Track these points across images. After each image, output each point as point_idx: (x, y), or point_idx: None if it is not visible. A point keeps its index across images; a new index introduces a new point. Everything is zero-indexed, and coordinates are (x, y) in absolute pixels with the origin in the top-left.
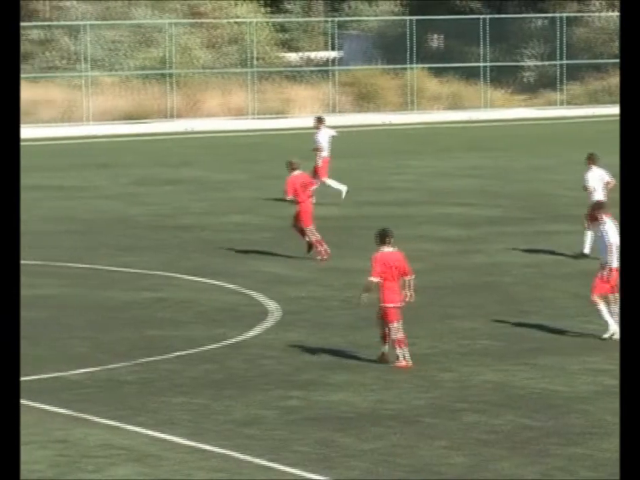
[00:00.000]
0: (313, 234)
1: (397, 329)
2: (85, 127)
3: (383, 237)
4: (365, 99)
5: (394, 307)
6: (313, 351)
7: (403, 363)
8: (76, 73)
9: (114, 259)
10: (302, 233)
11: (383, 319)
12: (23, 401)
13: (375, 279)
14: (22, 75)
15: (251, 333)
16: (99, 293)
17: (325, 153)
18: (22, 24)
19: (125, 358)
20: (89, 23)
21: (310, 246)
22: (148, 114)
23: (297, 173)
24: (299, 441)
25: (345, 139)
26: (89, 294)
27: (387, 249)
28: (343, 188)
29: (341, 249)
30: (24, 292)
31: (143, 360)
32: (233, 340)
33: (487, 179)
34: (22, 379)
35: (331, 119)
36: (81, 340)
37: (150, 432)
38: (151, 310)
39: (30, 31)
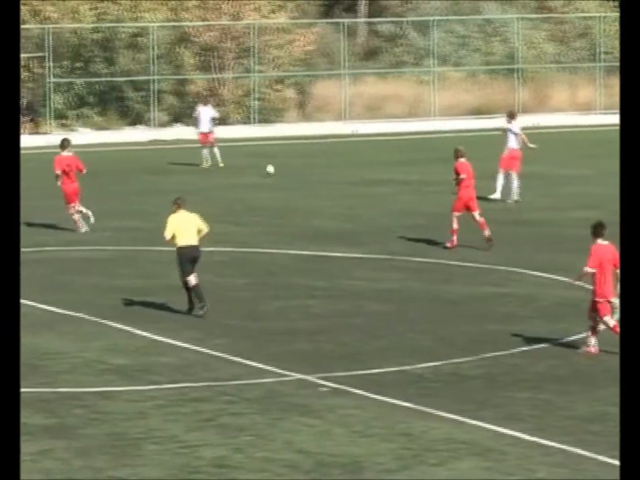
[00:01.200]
0: (454, 221)
1: (606, 323)
2: (432, 122)
3: (598, 230)
4: None
5: (605, 301)
6: None
7: (593, 350)
8: (424, 69)
9: (458, 253)
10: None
11: (594, 312)
12: (367, 394)
13: (589, 269)
14: (370, 71)
15: None
16: (441, 287)
17: (509, 145)
18: (372, 20)
19: (468, 352)
20: (436, 18)
21: (488, 239)
22: (494, 109)
23: (462, 160)
24: None
25: None
26: (431, 288)
27: (602, 242)
28: (497, 194)
29: None
30: (370, 285)
31: (487, 355)
32: (577, 336)
33: None
34: (364, 372)
35: None
36: (424, 333)
37: (493, 427)
38: (493, 304)
39: (380, 27)
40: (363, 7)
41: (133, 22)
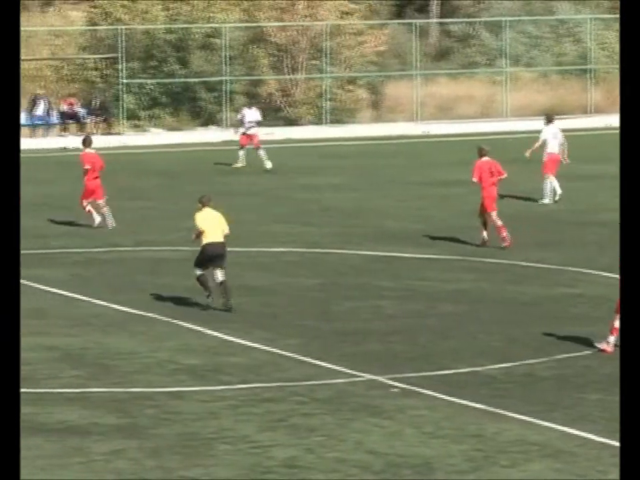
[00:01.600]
0: (497, 219)
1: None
2: (504, 122)
3: None
4: None
5: None
6: None
7: (609, 349)
8: (496, 69)
9: (530, 254)
10: (484, 224)
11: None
12: (438, 395)
13: None
14: (443, 71)
15: None
16: (512, 287)
17: (547, 149)
18: (444, 20)
19: (540, 353)
20: (509, 18)
21: (483, 242)
22: (567, 110)
23: (485, 159)
24: None
25: None
26: (502, 289)
27: None
28: (546, 199)
29: None
30: (441, 286)
31: (559, 356)
32: None
33: None
34: (436, 372)
35: None
36: (495, 334)
37: (564, 428)
38: (565, 305)
39: (452, 27)
40: (435, 7)
41: (205, 22)
